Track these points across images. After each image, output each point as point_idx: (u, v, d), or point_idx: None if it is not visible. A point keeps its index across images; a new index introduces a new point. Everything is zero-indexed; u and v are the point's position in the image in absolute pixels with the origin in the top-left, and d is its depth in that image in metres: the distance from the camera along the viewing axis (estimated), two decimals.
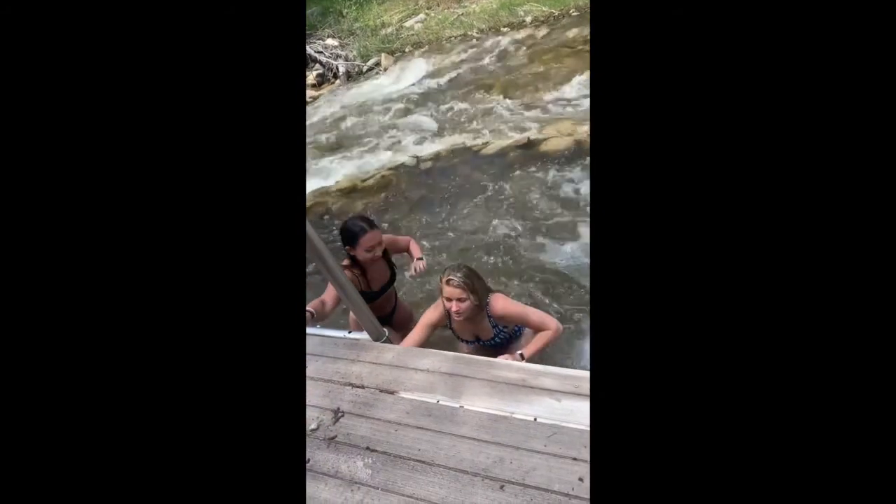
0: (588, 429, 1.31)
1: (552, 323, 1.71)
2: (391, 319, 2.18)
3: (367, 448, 1.39)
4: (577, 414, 1.36)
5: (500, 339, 1.83)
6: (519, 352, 1.71)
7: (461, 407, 1.46)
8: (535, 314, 1.74)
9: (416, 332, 1.75)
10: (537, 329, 1.73)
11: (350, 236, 1.81)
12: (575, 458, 1.25)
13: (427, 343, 1.78)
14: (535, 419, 1.37)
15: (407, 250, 2.10)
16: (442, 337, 2.01)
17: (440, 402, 1.49)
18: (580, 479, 1.21)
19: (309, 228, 1.44)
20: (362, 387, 1.59)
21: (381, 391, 1.57)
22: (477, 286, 1.68)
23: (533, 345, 1.71)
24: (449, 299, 1.67)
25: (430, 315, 1.78)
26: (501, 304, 1.72)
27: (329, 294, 1.82)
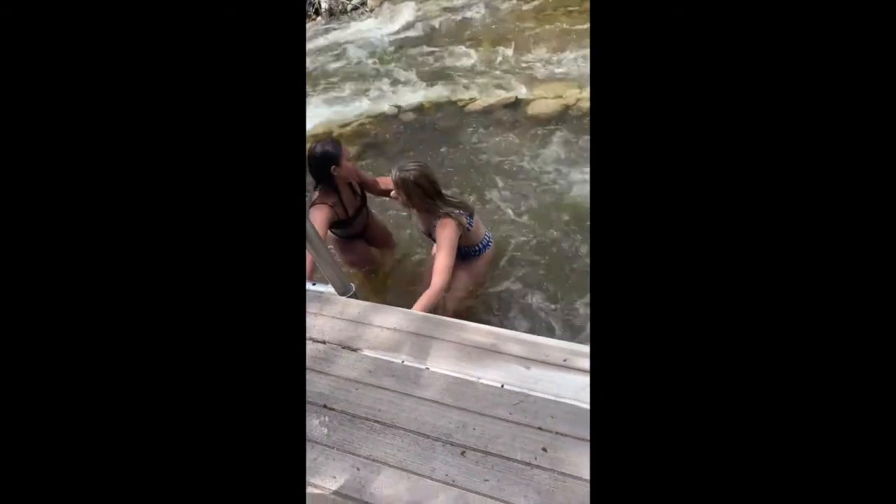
0: (556, 399, 1.27)
1: (437, 287, 1.69)
2: (366, 236, 2.16)
3: (325, 406, 1.32)
4: (546, 383, 1.31)
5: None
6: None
7: (426, 369, 1.39)
8: (437, 265, 1.72)
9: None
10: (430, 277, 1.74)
11: (329, 157, 1.81)
12: (540, 428, 1.21)
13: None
14: (503, 386, 1.32)
15: (380, 190, 2.07)
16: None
17: (405, 363, 1.42)
18: (544, 449, 1.17)
19: None
20: (323, 342, 1.51)
21: (342, 347, 1.49)
22: (412, 191, 1.75)
23: (417, 306, 1.68)
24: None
25: (388, 184, 1.94)
26: (442, 232, 1.75)
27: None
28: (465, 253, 1.97)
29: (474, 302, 2.09)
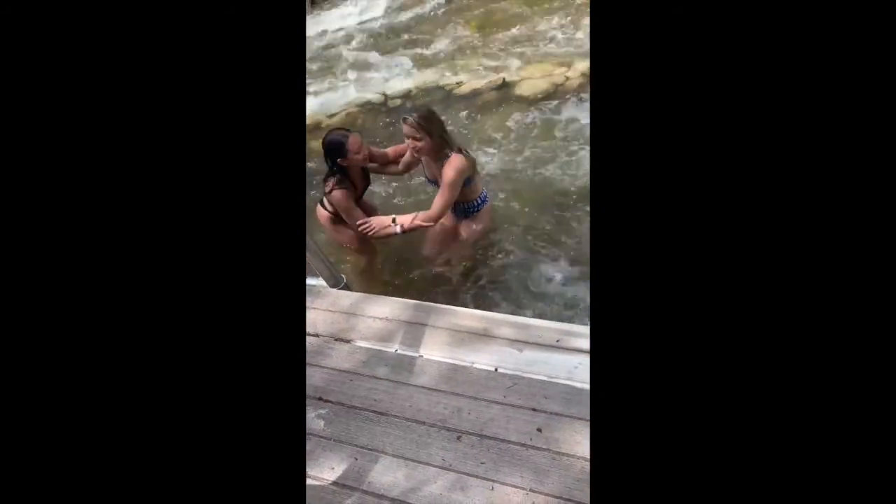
0: (550, 379, 1.28)
1: (435, 212, 1.84)
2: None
3: (320, 398, 1.33)
4: (539, 364, 1.32)
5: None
6: (393, 216, 1.88)
7: (420, 356, 1.40)
8: (442, 195, 1.82)
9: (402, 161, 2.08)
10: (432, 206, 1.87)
11: (337, 147, 1.90)
12: (535, 409, 1.22)
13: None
14: (496, 369, 1.32)
15: (388, 160, 2.16)
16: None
17: (398, 352, 1.42)
18: (538, 430, 1.18)
19: None
20: (316, 335, 1.51)
21: (335, 339, 1.49)
22: (433, 129, 1.77)
23: (410, 218, 1.87)
24: (407, 137, 1.81)
25: (400, 152, 2.08)
26: (451, 164, 1.80)
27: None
28: (465, 209, 2.03)
29: (475, 253, 2.15)
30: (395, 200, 2.57)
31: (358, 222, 1.93)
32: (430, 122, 1.76)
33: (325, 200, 2.11)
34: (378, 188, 2.54)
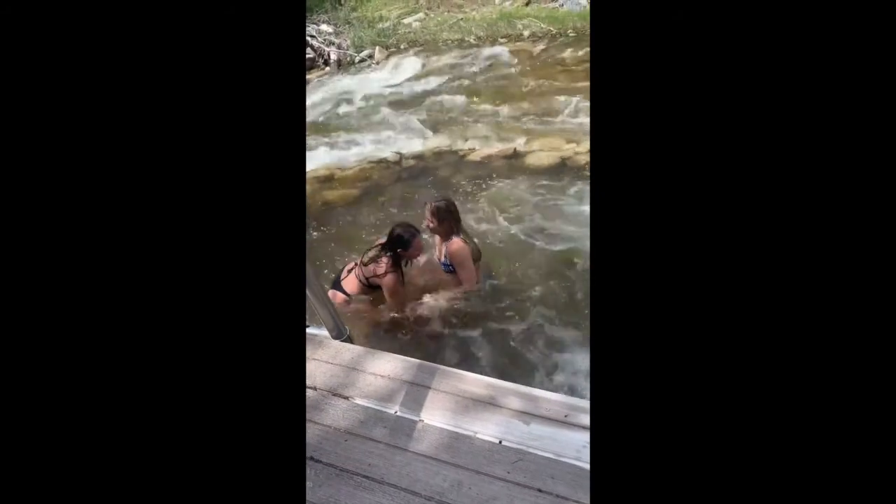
0: (557, 458, 1.21)
1: (469, 283, 2.26)
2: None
3: (311, 458, 1.25)
4: (546, 440, 1.25)
5: (445, 268, 2.32)
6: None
7: (421, 420, 1.33)
8: (466, 271, 2.23)
9: None
10: (460, 280, 2.28)
11: (405, 241, 2.19)
12: (540, 490, 1.14)
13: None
14: (501, 442, 1.26)
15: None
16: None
17: (398, 414, 1.35)
18: None
19: None
20: (314, 388, 1.44)
21: (333, 395, 1.42)
22: (444, 217, 2.20)
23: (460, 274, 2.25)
24: (427, 217, 2.24)
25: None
26: (455, 246, 2.21)
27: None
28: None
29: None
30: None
31: None
32: (444, 213, 2.19)
33: (341, 282, 2.28)
34: None
